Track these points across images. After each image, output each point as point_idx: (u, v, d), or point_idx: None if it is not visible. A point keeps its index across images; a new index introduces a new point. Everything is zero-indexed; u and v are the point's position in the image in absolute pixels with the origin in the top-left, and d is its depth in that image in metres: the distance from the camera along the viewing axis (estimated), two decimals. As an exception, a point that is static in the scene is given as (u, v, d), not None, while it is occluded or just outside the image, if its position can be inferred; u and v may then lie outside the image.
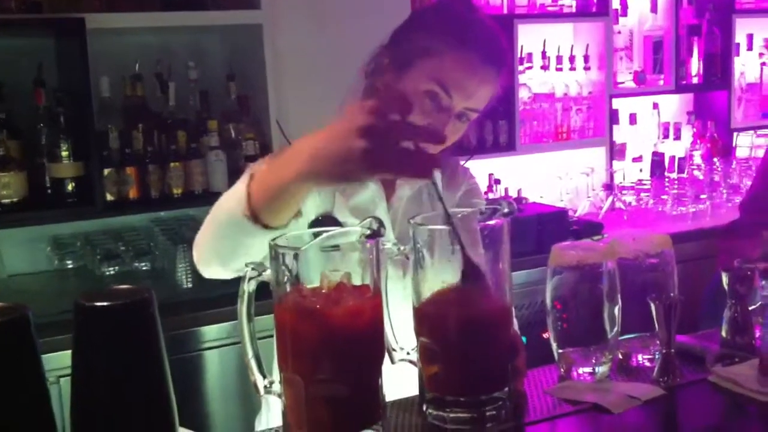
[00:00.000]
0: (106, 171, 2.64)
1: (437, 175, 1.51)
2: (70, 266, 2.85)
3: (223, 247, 1.31)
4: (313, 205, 1.52)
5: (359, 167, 1.04)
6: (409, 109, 1.05)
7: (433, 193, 1.56)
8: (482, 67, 1.49)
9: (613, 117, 3.88)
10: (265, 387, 1.10)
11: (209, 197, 2.75)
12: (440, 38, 1.49)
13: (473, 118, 1.54)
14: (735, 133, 4.22)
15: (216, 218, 1.32)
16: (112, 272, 2.76)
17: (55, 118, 2.61)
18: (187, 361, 2.53)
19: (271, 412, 1.62)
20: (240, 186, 1.25)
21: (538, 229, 3.13)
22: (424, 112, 1.48)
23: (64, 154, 2.59)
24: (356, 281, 1.05)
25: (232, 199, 1.25)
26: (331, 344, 1.03)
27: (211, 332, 2.53)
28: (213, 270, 1.40)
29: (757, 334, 1.36)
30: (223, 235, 1.30)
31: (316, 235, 1.07)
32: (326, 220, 1.52)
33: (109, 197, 2.65)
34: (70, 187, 2.61)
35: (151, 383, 0.94)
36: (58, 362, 2.05)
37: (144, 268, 2.81)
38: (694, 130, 4.21)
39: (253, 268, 1.08)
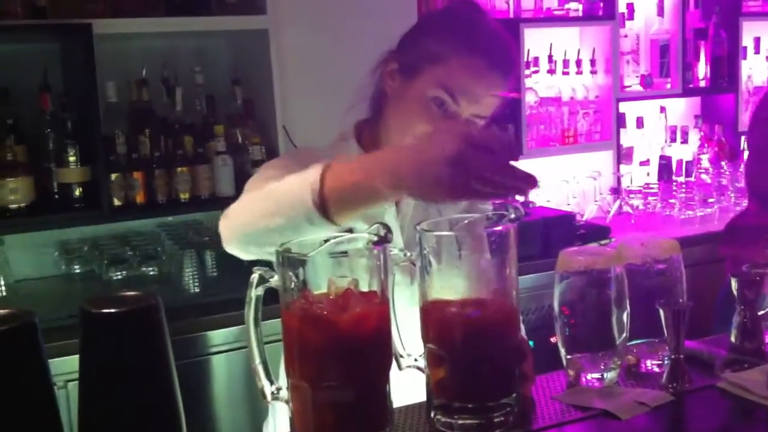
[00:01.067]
0: (113, 176, 2.64)
1: None
2: (78, 271, 2.85)
3: (268, 228, 1.27)
4: None
5: (447, 194, 1.11)
6: (506, 152, 1.09)
7: None
8: (489, 74, 1.48)
9: (620, 121, 3.88)
10: (273, 393, 1.10)
11: (216, 202, 2.78)
12: (448, 44, 1.48)
13: (481, 125, 1.53)
14: (743, 137, 4.20)
15: (272, 197, 1.28)
16: (119, 277, 2.76)
17: (61, 123, 2.61)
18: (195, 365, 2.52)
19: (278, 417, 1.62)
20: (313, 173, 1.22)
21: (545, 233, 3.12)
22: (429, 119, 1.48)
23: (71, 159, 2.59)
24: (363, 287, 1.05)
25: (299, 184, 1.22)
26: (338, 351, 1.03)
27: (218, 337, 2.53)
28: (239, 246, 1.37)
29: (767, 339, 1.35)
30: (275, 213, 1.26)
31: (323, 241, 1.07)
32: None
33: (116, 202, 2.65)
34: (77, 192, 2.61)
35: (158, 389, 0.94)
36: (66, 367, 2.05)
37: (151, 273, 2.81)
38: (702, 133, 4.20)
39: (260, 274, 1.08)
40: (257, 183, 1.42)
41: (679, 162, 4.08)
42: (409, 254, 1.14)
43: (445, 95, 1.47)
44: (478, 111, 1.50)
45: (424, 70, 1.49)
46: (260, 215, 1.30)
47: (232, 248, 1.39)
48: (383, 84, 1.57)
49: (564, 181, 3.83)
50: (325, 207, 1.20)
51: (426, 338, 1.15)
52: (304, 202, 1.21)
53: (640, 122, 4.04)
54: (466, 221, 1.13)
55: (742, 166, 3.90)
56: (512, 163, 1.10)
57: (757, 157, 2.35)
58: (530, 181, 1.11)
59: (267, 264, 1.14)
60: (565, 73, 3.78)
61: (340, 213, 1.21)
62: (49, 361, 0.92)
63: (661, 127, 4.14)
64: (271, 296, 1.09)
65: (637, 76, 3.96)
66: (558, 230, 3.14)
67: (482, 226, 1.14)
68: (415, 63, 1.51)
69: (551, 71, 3.77)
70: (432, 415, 1.15)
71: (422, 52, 1.50)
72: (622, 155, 3.96)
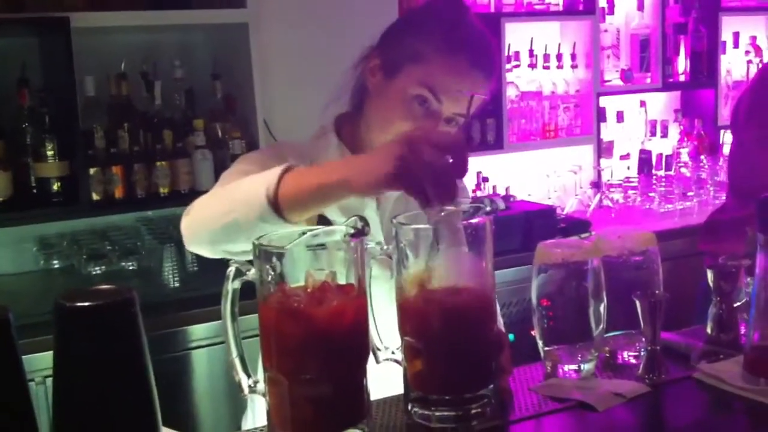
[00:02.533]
0: (91, 170, 2.62)
1: None
2: (57, 266, 2.83)
3: (224, 225, 1.31)
4: None
5: (386, 187, 1.18)
6: (444, 153, 1.14)
7: None
8: (472, 73, 1.48)
9: (601, 115, 3.89)
10: (250, 386, 1.10)
11: (196, 196, 2.74)
12: (430, 43, 1.48)
13: (462, 123, 1.53)
14: (722, 131, 4.23)
15: (230, 195, 1.32)
16: (98, 272, 2.74)
17: (39, 117, 2.59)
18: (175, 360, 2.52)
19: (257, 411, 1.62)
20: (273, 173, 1.26)
21: (526, 226, 3.14)
22: (413, 116, 1.48)
23: (50, 153, 2.57)
24: (341, 280, 1.05)
25: (258, 183, 1.26)
26: (315, 344, 1.03)
27: (198, 331, 2.52)
28: (200, 245, 1.40)
29: (742, 330, 1.37)
30: (231, 211, 1.29)
31: (300, 233, 1.07)
32: (318, 218, 1.52)
33: (95, 196, 2.64)
34: (55, 187, 2.60)
35: (133, 383, 0.94)
36: (45, 363, 2.04)
37: (131, 268, 2.80)
38: (682, 127, 4.23)
39: (237, 267, 1.07)
40: (230, 177, 1.44)
41: (659, 156, 4.11)
42: (385, 247, 1.14)
43: (428, 93, 1.47)
44: (460, 110, 1.49)
45: (407, 68, 1.49)
46: (218, 213, 1.33)
47: (193, 247, 1.42)
48: (365, 80, 1.57)
49: (545, 175, 3.84)
50: (279, 206, 1.23)
51: (403, 331, 1.15)
52: (258, 199, 1.24)
53: (620, 116, 4.06)
54: (442, 213, 1.13)
55: (721, 160, 3.93)
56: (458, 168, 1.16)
57: (739, 151, 2.36)
58: (447, 196, 1.13)
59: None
60: (546, 68, 3.79)
61: (295, 212, 1.24)
62: (28, 357, 0.91)
63: (641, 122, 4.17)
64: (248, 293, 1.09)
65: (617, 71, 3.98)
66: (539, 224, 3.16)
67: (459, 218, 1.14)
68: (398, 60, 1.51)
69: (532, 65, 3.78)
70: (409, 407, 1.15)
71: (405, 50, 1.50)
72: (603, 149, 3.97)
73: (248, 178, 1.31)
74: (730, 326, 1.36)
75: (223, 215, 1.31)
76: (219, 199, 1.36)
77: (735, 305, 1.37)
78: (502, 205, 3.25)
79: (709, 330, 1.37)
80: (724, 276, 1.35)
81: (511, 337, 2.89)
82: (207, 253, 1.41)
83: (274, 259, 1.03)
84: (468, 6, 1.58)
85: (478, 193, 3.57)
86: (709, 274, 1.36)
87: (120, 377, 0.92)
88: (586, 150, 3.92)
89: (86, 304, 0.90)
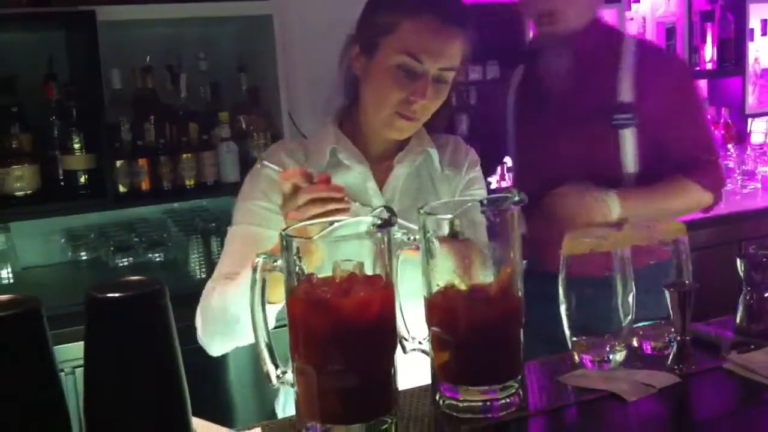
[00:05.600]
0: (118, 163, 2.64)
1: (434, 153, 1.65)
2: (84, 258, 2.86)
3: (228, 329, 1.49)
4: None
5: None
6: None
7: (432, 171, 1.66)
8: (444, 26, 1.52)
9: (626, 104, 3.85)
10: (278, 377, 1.10)
11: (221, 188, 2.78)
12: (398, 11, 1.53)
13: (450, 82, 1.57)
14: (749, 119, 4.18)
15: (222, 308, 1.48)
16: (125, 263, 2.77)
17: (66, 110, 2.61)
18: (202, 350, 2.53)
19: (290, 396, 1.63)
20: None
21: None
22: (400, 85, 1.52)
23: (76, 146, 2.59)
24: (368, 271, 1.05)
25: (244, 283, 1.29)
26: (342, 335, 1.03)
27: (224, 323, 2.53)
28: (210, 341, 1.57)
29: (773, 321, 1.35)
30: (228, 308, 1.46)
31: (328, 224, 1.07)
32: None
33: (121, 189, 2.66)
34: (82, 179, 2.62)
35: (164, 374, 0.94)
36: (74, 353, 2.06)
37: (157, 259, 2.82)
38: (709, 116, 4.18)
39: (265, 258, 1.08)
40: (233, 242, 1.58)
41: (686, 145, 4.06)
42: (412, 238, 1.13)
43: (407, 58, 1.51)
44: (445, 64, 1.53)
45: (383, 42, 1.54)
46: (220, 326, 1.50)
47: (206, 340, 1.58)
48: (353, 69, 1.61)
49: (570, 166, 3.81)
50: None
51: (430, 322, 1.15)
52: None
53: (646, 105, 4.02)
54: (462, 208, 1.13)
55: (749, 149, 3.88)
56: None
57: None
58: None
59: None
60: (571, 57, 3.76)
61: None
62: (57, 347, 0.92)
63: (667, 110, 4.12)
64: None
65: (643, 59, 3.94)
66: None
67: (478, 212, 1.13)
68: (373, 38, 1.56)
69: (557, 55, 3.75)
70: (437, 397, 1.15)
71: (378, 26, 1.55)
72: (628, 139, 3.93)
73: (235, 282, 1.44)
74: (760, 316, 1.35)
75: (224, 325, 1.48)
76: (217, 313, 1.50)
77: (765, 295, 1.36)
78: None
79: (738, 320, 1.36)
80: (755, 266, 1.34)
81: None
82: (218, 347, 1.57)
83: (301, 250, 1.03)
84: None
85: (503, 183, 3.55)
86: (739, 264, 1.34)
87: (150, 368, 0.92)
88: (611, 139, 3.88)
89: (117, 295, 0.90)
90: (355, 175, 1.61)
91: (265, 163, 1.50)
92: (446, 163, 1.69)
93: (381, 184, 1.63)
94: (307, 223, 1.18)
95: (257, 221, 1.55)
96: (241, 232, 1.57)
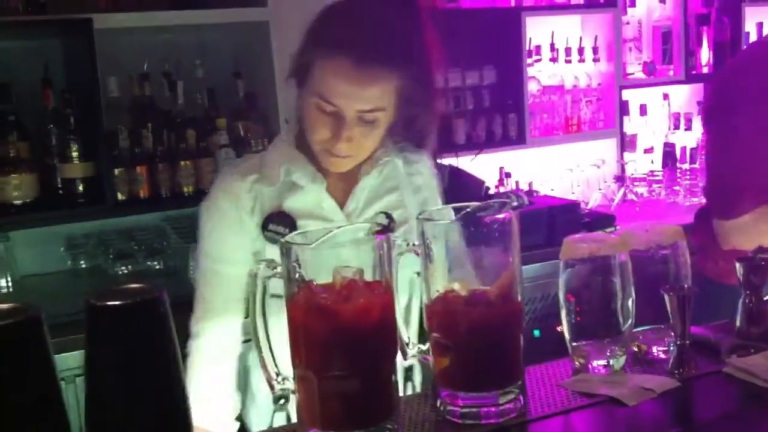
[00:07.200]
0: (116, 170, 2.64)
1: (399, 163, 1.68)
2: (84, 266, 2.86)
3: None
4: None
5: None
6: None
7: (399, 181, 1.66)
8: (360, 68, 1.46)
9: (623, 108, 3.87)
10: (279, 383, 1.10)
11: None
12: (316, 49, 1.51)
13: (385, 120, 1.53)
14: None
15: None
16: (125, 271, 2.76)
17: (64, 118, 2.61)
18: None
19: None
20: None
21: (550, 221, 3.12)
22: (321, 123, 1.51)
23: (74, 154, 2.59)
24: (368, 277, 1.05)
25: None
26: (343, 341, 1.03)
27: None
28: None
29: (773, 324, 1.35)
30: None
31: (327, 231, 1.07)
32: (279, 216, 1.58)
33: (120, 196, 2.66)
34: (80, 187, 2.62)
35: (164, 381, 0.94)
36: (74, 362, 2.06)
37: (157, 267, 2.82)
38: (705, 120, 4.19)
39: (265, 265, 1.08)
40: (203, 282, 1.64)
41: (683, 149, 4.07)
42: (411, 243, 1.14)
43: (319, 100, 1.49)
44: (364, 106, 1.49)
45: (305, 79, 1.53)
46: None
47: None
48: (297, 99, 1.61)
49: (568, 170, 3.82)
50: None
51: (430, 327, 1.15)
52: None
53: (643, 110, 4.03)
54: (468, 209, 1.13)
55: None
56: None
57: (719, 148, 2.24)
58: None
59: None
60: (568, 62, 3.77)
61: None
62: (57, 356, 0.91)
63: (664, 114, 4.13)
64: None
65: (639, 64, 3.95)
66: (563, 219, 3.14)
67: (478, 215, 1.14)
68: (298, 74, 1.56)
69: (553, 59, 3.76)
70: (437, 403, 1.15)
71: (302, 61, 1.54)
72: (626, 143, 3.95)
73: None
74: (760, 320, 1.35)
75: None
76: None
77: (765, 298, 1.36)
78: (527, 200, 3.23)
79: (738, 323, 1.36)
80: (754, 269, 1.34)
81: (536, 332, 2.90)
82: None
83: (301, 257, 1.03)
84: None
85: (501, 189, 3.55)
86: (739, 268, 1.34)
87: (151, 375, 0.92)
88: (609, 144, 3.89)
89: (117, 303, 0.90)
90: (309, 193, 1.60)
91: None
92: (412, 172, 1.70)
93: (346, 195, 1.62)
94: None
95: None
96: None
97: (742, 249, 1.93)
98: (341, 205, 1.62)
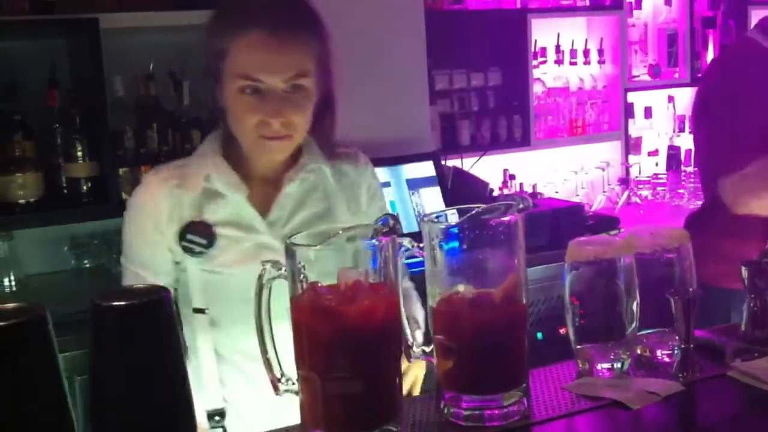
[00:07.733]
0: (121, 170, 2.64)
1: (327, 170, 1.61)
2: (88, 265, 2.85)
3: None
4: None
5: None
6: None
7: (327, 188, 1.62)
8: (274, 37, 1.45)
9: (628, 111, 3.86)
10: (283, 384, 1.10)
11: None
12: (224, 35, 1.49)
13: (311, 89, 1.51)
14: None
15: None
16: (129, 271, 2.76)
17: (69, 118, 2.61)
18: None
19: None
20: None
21: (554, 224, 3.11)
22: (252, 109, 1.48)
23: (79, 154, 2.59)
24: (372, 278, 1.05)
25: None
26: (346, 342, 1.03)
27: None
28: None
29: (777, 328, 1.35)
30: None
31: (332, 233, 1.07)
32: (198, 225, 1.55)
33: (124, 196, 2.65)
34: (85, 187, 2.62)
35: (169, 382, 0.94)
36: (76, 361, 2.05)
37: (160, 267, 2.82)
38: None
39: (270, 266, 1.08)
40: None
41: (688, 152, 4.07)
42: (416, 245, 1.14)
43: (245, 81, 1.46)
44: (290, 73, 1.47)
45: (222, 69, 1.50)
46: None
47: None
48: (216, 101, 1.58)
49: (572, 172, 3.82)
50: None
51: (434, 330, 1.15)
52: None
53: (648, 112, 4.03)
54: (473, 212, 1.13)
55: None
56: None
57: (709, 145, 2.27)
58: None
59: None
60: (573, 64, 3.77)
61: None
62: (62, 355, 0.92)
63: (669, 117, 4.13)
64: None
65: (644, 66, 3.95)
66: (567, 221, 3.13)
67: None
68: (214, 67, 1.52)
69: (559, 62, 3.76)
70: (441, 405, 1.15)
71: (213, 54, 1.52)
72: (631, 145, 3.95)
73: None
74: (764, 323, 1.34)
75: None
76: None
77: (770, 302, 1.35)
78: (532, 202, 3.23)
79: (743, 327, 1.36)
80: (759, 273, 1.34)
81: (539, 335, 2.89)
82: None
83: (306, 258, 1.03)
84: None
85: (505, 191, 3.55)
86: (743, 271, 1.34)
87: (156, 375, 0.92)
88: (613, 146, 3.89)
89: (122, 303, 0.90)
90: (230, 202, 1.57)
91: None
92: (342, 178, 1.64)
93: (270, 204, 1.58)
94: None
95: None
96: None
97: (753, 211, 2.03)
98: (265, 213, 1.58)
